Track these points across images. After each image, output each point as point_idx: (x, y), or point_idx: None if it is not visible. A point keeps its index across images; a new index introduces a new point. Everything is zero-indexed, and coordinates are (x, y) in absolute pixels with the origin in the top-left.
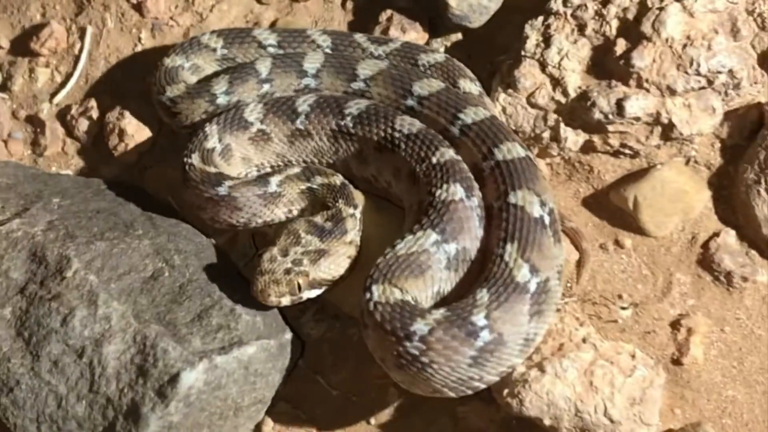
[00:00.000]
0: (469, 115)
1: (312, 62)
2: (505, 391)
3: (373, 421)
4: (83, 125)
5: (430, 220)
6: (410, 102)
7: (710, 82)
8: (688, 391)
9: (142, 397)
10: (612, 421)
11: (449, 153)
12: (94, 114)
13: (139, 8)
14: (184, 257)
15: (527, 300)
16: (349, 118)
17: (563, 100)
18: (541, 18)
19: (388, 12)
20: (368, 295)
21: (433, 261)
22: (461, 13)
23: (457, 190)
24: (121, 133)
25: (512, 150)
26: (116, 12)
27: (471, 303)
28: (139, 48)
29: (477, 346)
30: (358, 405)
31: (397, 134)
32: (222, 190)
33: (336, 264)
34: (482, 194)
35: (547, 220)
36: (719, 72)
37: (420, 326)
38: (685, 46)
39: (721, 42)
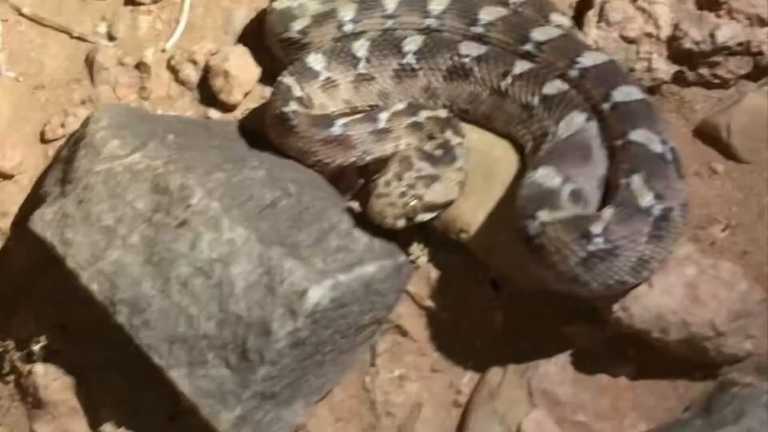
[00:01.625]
0: (589, 59)
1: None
2: (615, 306)
3: (479, 342)
4: (188, 69)
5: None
6: (528, 47)
7: None
8: None
9: (272, 313)
10: (719, 333)
11: (527, 64)
12: (198, 58)
13: None
14: (299, 187)
15: (649, 222)
16: (410, 56)
17: (654, 32)
18: None
19: None
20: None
21: (591, 137)
22: None
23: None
24: (226, 75)
25: (630, 93)
26: None
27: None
28: None
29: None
30: (466, 328)
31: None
32: (336, 130)
33: (448, 189)
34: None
35: (669, 156)
36: None
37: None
38: None
39: None
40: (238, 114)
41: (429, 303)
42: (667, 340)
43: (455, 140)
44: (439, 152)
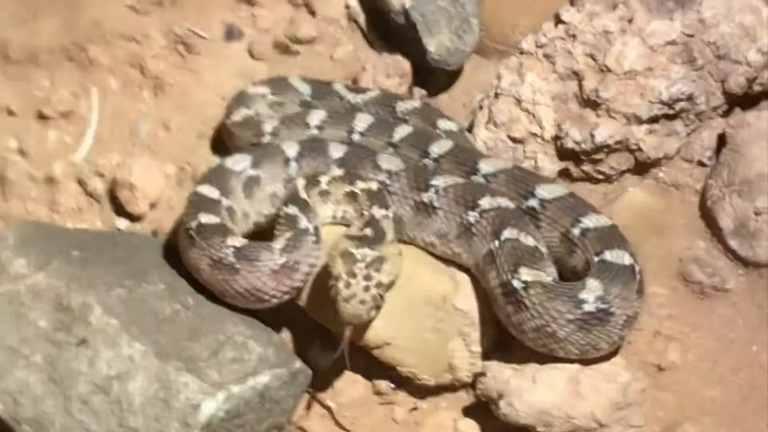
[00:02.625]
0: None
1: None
2: (502, 402)
3: None
4: (95, 182)
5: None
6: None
7: (672, 109)
8: (668, 394)
9: (167, 427)
10: (600, 425)
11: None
12: (105, 170)
13: (141, 69)
14: (198, 298)
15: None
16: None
17: (539, 132)
18: (514, 58)
19: (373, 59)
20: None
21: None
22: (440, 57)
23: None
24: (131, 187)
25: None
26: (120, 74)
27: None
28: (142, 107)
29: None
30: (366, 427)
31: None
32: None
33: (394, 264)
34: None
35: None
36: (679, 99)
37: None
38: (646, 77)
39: (679, 71)
40: (146, 224)
41: (331, 403)
42: None
43: (379, 213)
44: (368, 231)
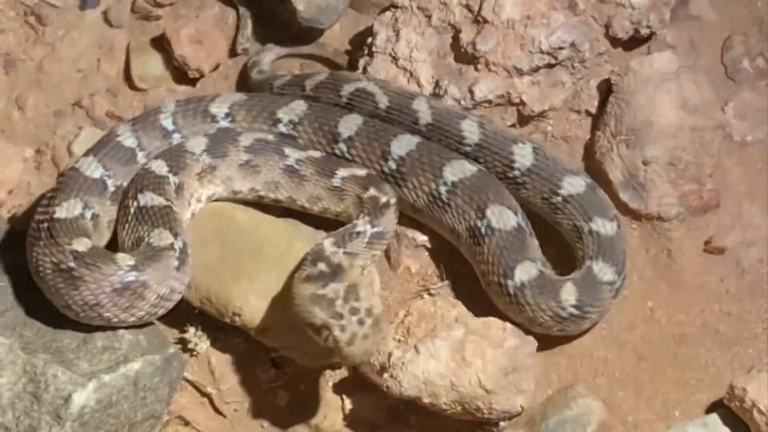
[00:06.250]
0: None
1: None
2: (385, 375)
3: (265, 424)
4: None
5: None
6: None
7: (555, 58)
8: (561, 356)
9: (39, 421)
10: (487, 392)
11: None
12: None
13: None
14: None
15: None
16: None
17: (418, 91)
18: (389, 13)
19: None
20: None
21: None
22: (310, 16)
23: None
24: None
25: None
26: None
27: None
28: None
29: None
30: (250, 411)
31: None
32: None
33: (366, 287)
34: None
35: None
36: (561, 48)
37: None
38: (525, 26)
39: (560, 18)
40: (3, 212)
41: (211, 389)
42: (439, 403)
43: (330, 249)
44: (322, 267)
